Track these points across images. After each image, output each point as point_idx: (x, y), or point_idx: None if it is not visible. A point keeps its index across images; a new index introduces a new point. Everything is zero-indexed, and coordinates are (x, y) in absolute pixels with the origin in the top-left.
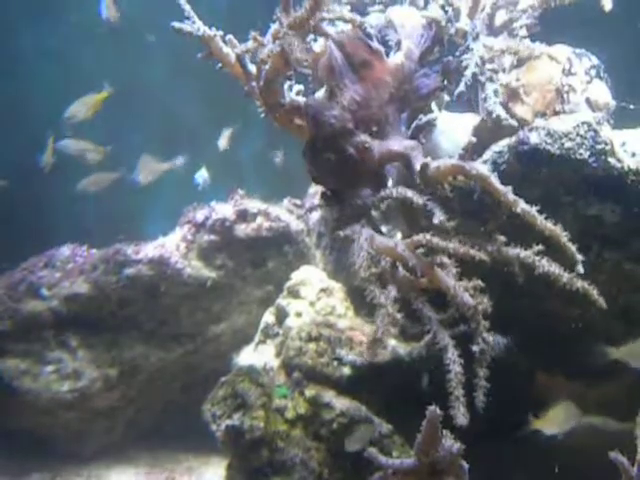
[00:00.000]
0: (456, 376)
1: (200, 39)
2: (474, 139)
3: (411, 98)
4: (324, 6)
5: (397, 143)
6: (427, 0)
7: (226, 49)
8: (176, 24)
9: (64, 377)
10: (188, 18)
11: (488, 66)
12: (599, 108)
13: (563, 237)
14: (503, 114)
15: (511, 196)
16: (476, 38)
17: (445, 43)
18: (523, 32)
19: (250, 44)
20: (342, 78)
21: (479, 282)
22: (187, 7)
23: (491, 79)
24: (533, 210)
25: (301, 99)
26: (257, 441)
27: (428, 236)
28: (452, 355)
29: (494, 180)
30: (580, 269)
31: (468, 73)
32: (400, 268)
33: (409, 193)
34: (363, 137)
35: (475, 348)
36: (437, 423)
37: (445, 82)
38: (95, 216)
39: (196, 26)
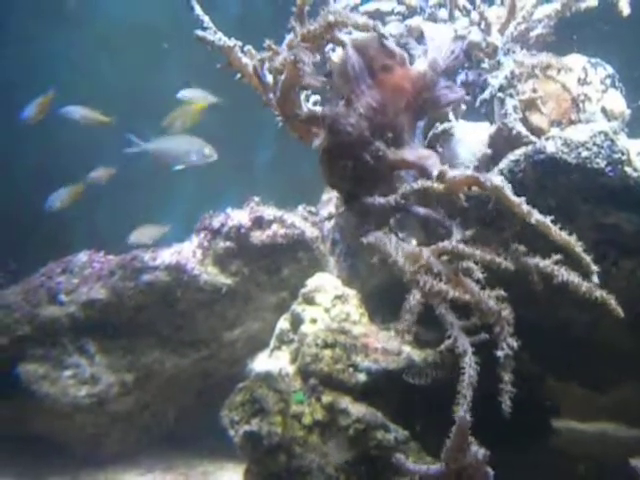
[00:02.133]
0: (469, 378)
1: (220, 49)
2: (489, 151)
3: (428, 108)
4: (338, 25)
5: (411, 153)
6: (451, 13)
7: (245, 59)
8: (199, 33)
9: (82, 382)
10: (207, 28)
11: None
12: (614, 117)
13: (578, 247)
14: (524, 131)
15: (525, 207)
16: (507, 53)
17: (473, 59)
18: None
19: (266, 54)
20: (358, 84)
21: (501, 292)
22: (206, 18)
23: (511, 95)
24: (547, 220)
25: (318, 109)
26: (275, 446)
27: (454, 242)
28: (469, 360)
29: (508, 191)
30: (595, 279)
31: (496, 83)
32: (424, 274)
33: (428, 182)
34: (378, 145)
35: (500, 353)
36: (466, 430)
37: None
38: (111, 222)
39: (217, 36)
